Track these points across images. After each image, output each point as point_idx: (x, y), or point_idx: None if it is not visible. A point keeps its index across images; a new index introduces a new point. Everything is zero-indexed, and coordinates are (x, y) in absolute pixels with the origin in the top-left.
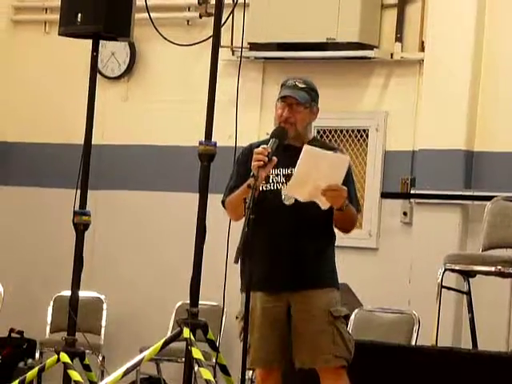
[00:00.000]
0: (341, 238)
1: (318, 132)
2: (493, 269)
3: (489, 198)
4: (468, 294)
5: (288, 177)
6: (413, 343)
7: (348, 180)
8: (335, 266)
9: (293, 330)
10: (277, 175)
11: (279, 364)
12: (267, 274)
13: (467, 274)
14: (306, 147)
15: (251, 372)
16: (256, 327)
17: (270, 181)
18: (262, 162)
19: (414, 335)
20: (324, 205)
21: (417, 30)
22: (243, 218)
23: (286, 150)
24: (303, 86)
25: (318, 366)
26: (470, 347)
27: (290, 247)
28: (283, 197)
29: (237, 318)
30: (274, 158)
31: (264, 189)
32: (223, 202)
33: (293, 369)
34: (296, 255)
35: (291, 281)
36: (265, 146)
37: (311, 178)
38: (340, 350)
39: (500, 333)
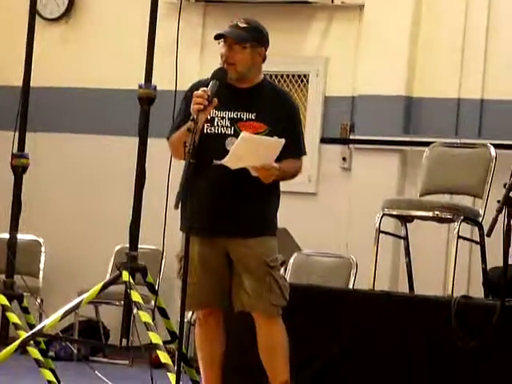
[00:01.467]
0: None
1: None
2: (430, 214)
3: (427, 144)
4: (405, 238)
5: (233, 120)
6: (350, 287)
7: (293, 125)
8: (275, 213)
9: (232, 277)
10: (222, 118)
11: (218, 306)
12: (205, 219)
13: (405, 219)
14: (243, 134)
15: (190, 314)
16: (193, 273)
17: (215, 124)
18: (201, 106)
19: (352, 279)
20: (254, 174)
21: None
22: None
23: (230, 92)
24: (244, 25)
25: (255, 313)
26: (407, 291)
27: (229, 193)
28: (226, 142)
29: (177, 256)
30: (215, 100)
31: (208, 131)
32: (167, 139)
33: (233, 309)
34: (233, 201)
35: (227, 227)
36: (205, 88)
37: (246, 159)
38: (276, 298)
39: (436, 277)
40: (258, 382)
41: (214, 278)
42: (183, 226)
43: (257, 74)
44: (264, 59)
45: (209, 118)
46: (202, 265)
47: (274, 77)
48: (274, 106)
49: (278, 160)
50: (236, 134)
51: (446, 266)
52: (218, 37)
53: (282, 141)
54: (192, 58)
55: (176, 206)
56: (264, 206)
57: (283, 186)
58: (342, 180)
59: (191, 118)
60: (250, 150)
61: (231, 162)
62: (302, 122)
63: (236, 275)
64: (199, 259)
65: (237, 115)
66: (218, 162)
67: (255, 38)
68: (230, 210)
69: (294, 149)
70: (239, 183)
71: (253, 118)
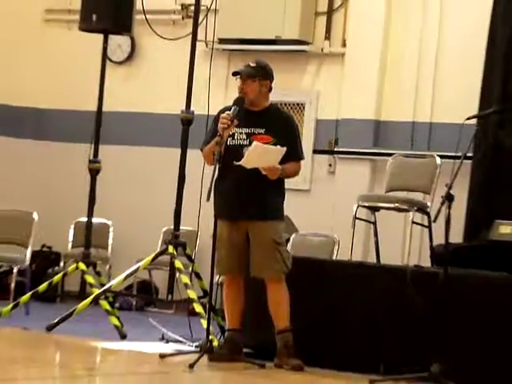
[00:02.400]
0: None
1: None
2: (392, 205)
3: (391, 155)
4: (374, 223)
5: (248, 134)
6: (334, 258)
7: (293, 136)
8: (282, 202)
9: (249, 251)
10: (240, 133)
11: (240, 273)
12: (230, 207)
13: (374, 209)
14: (254, 143)
15: (218, 277)
16: (222, 247)
17: (235, 138)
18: (226, 125)
19: (335, 253)
20: (263, 172)
21: (340, 32)
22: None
23: (246, 114)
24: (254, 65)
25: (265, 278)
26: (375, 262)
27: (248, 188)
28: (244, 150)
29: (210, 236)
30: (235, 121)
31: (230, 143)
32: (201, 150)
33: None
34: (252, 194)
35: (248, 212)
36: (228, 112)
37: (257, 162)
38: (280, 267)
39: (397, 252)
40: (268, 328)
41: (237, 251)
42: (215, 213)
43: (265, 100)
44: (270, 89)
45: (231, 133)
46: (229, 241)
47: (279, 105)
48: (279, 123)
49: (282, 162)
50: (251, 145)
51: (403, 244)
52: (234, 74)
53: (284, 149)
54: (219, 91)
55: (208, 199)
56: (274, 197)
57: (287, 185)
58: (328, 181)
59: (218, 133)
60: (259, 155)
61: (246, 162)
62: (300, 137)
63: (252, 249)
64: (227, 237)
65: (251, 130)
66: (237, 163)
67: (262, 74)
68: (249, 199)
69: (294, 154)
70: (255, 180)
71: (262, 132)
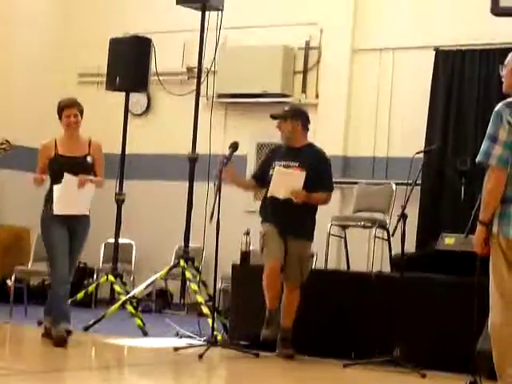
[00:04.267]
0: None
1: (258, 144)
2: (358, 224)
3: (356, 183)
4: (344, 238)
5: (285, 166)
6: (313, 267)
7: (323, 169)
8: (314, 226)
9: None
10: (279, 166)
11: (282, 263)
12: (277, 223)
13: (344, 227)
14: (276, 168)
15: (221, 284)
16: (272, 240)
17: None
18: (221, 167)
19: (314, 263)
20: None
21: (314, 86)
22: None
23: (286, 150)
24: (287, 109)
25: (285, 284)
26: (346, 269)
27: (285, 211)
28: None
29: (260, 233)
30: (231, 162)
31: (272, 172)
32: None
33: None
34: (287, 216)
35: (286, 230)
36: (225, 154)
37: (282, 187)
38: (299, 279)
39: (363, 260)
40: (259, 324)
41: (281, 248)
42: (263, 219)
43: (301, 137)
44: (305, 129)
45: (273, 165)
46: (277, 237)
47: (268, 144)
48: (311, 158)
49: (313, 191)
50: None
51: (368, 254)
52: (272, 116)
53: (303, 173)
54: (219, 136)
55: (211, 220)
56: (307, 221)
57: None
58: None
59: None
60: (282, 181)
61: (272, 190)
62: (331, 171)
63: (285, 260)
64: (276, 233)
65: (287, 163)
66: (268, 195)
67: (292, 116)
68: (290, 221)
69: (322, 185)
70: (295, 207)
71: (296, 165)
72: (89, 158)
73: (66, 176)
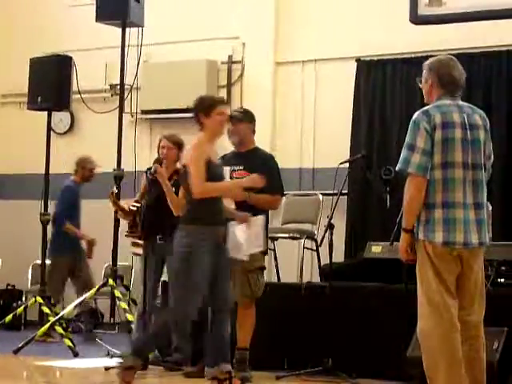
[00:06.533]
0: None
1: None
2: (287, 235)
3: (284, 195)
4: (274, 250)
5: (231, 171)
6: None
7: (270, 171)
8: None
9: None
10: (232, 170)
11: None
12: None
13: (273, 239)
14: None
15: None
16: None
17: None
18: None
19: None
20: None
21: (238, 100)
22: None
23: (233, 154)
24: (241, 110)
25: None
26: (276, 280)
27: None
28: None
29: None
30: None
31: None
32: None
33: None
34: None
35: None
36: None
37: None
38: (250, 293)
39: (293, 271)
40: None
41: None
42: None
43: (251, 141)
44: (253, 132)
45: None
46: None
47: None
48: (258, 161)
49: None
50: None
51: (298, 265)
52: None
53: (262, 217)
54: (144, 152)
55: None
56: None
57: None
58: None
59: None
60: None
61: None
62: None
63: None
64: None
65: (232, 168)
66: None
67: (249, 118)
68: None
69: (269, 187)
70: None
71: (241, 169)
72: None
73: None
